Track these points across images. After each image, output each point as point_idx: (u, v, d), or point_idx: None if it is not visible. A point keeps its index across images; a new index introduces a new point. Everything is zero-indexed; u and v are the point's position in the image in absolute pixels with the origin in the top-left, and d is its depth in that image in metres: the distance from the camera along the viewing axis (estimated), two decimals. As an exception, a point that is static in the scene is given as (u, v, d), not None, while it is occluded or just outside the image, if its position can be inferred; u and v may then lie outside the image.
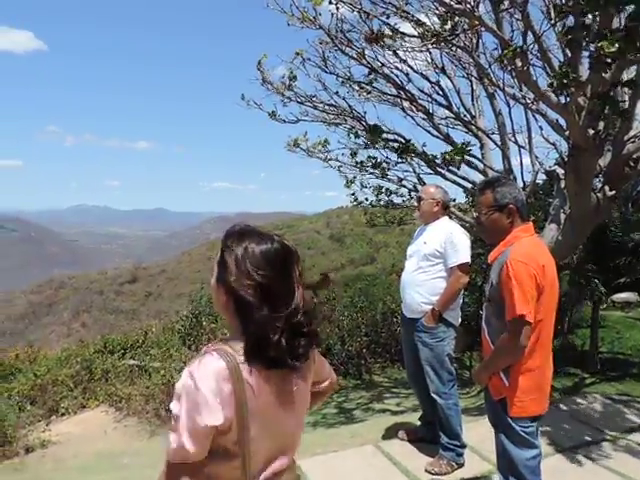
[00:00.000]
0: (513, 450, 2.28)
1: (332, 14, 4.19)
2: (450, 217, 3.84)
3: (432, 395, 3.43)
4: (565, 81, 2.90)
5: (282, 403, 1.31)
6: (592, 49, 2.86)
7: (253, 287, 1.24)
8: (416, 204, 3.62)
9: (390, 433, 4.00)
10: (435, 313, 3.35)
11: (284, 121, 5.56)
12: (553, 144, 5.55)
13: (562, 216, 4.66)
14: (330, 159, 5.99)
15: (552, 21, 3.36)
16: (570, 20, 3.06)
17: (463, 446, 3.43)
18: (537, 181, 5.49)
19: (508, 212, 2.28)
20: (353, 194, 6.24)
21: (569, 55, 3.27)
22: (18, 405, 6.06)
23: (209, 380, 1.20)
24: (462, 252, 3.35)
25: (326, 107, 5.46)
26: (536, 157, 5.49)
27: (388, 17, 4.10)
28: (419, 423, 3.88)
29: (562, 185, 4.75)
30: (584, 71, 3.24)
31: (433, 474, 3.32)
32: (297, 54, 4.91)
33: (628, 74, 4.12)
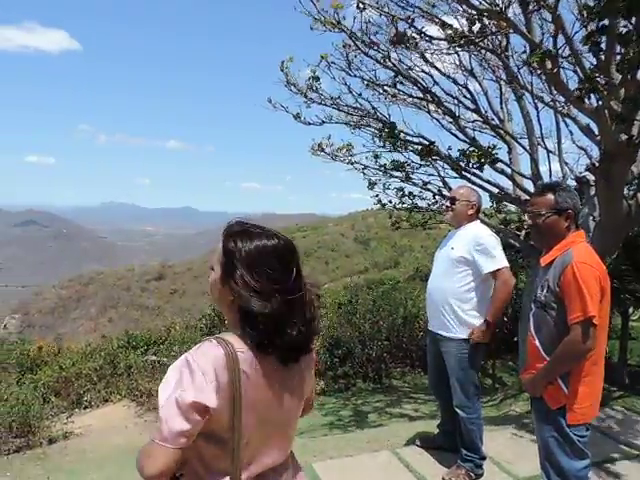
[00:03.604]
0: (566, 462, 2.25)
1: (354, 17, 4.17)
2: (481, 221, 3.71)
3: (455, 408, 3.33)
4: (592, 84, 2.83)
5: (281, 398, 1.32)
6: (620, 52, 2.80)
7: (270, 285, 1.24)
8: (447, 205, 3.47)
9: (407, 439, 3.95)
10: (491, 327, 3.19)
11: (309, 123, 5.56)
12: (583, 149, 5.43)
13: (591, 224, 4.54)
14: (354, 162, 5.96)
15: (584, 23, 3.27)
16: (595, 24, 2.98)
17: (482, 458, 3.34)
18: (566, 187, 5.36)
19: (567, 217, 2.29)
20: (377, 196, 6.19)
21: (602, 58, 3.18)
22: (43, 396, 6.19)
23: (206, 365, 1.21)
24: (499, 255, 3.22)
25: (350, 109, 5.43)
26: (565, 163, 5.37)
27: (413, 21, 4.05)
28: (437, 430, 3.82)
29: (592, 192, 4.64)
30: (617, 74, 3.15)
31: (451, 484, 3.27)
32: (322, 58, 4.90)
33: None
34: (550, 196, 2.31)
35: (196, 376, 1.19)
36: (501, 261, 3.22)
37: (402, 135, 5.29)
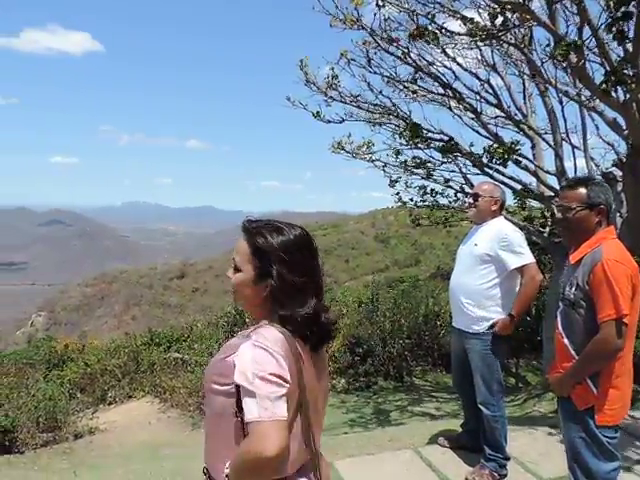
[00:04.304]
0: (595, 463, 2.19)
1: (374, 14, 4.15)
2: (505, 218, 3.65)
3: (479, 405, 3.29)
4: (619, 77, 2.75)
5: (318, 382, 1.36)
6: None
7: (306, 278, 1.28)
8: (470, 202, 3.43)
9: (430, 438, 3.91)
10: (514, 320, 3.15)
11: (329, 121, 5.56)
12: (610, 144, 5.32)
13: (618, 220, 4.45)
14: (374, 160, 5.94)
15: (611, 14, 3.19)
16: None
17: (506, 458, 3.29)
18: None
19: (598, 212, 2.21)
20: (397, 193, 6.15)
21: (629, 48, 3.10)
22: (69, 392, 6.31)
23: (276, 346, 1.22)
24: (525, 251, 3.17)
25: (371, 107, 5.40)
26: (591, 158, 5.26)
27: (434, 16, 4.00)
28: (460, 430, 3.78)
29: (619, 188, 4.54)
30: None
31: (474, 484, 3.22)
32: (342, 55, 4.88)
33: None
34: (582, 190, 2.23)
35: (272, 354, 1.20)
36: (528, 257, 3.17)
37: (424, 132, 5.25)
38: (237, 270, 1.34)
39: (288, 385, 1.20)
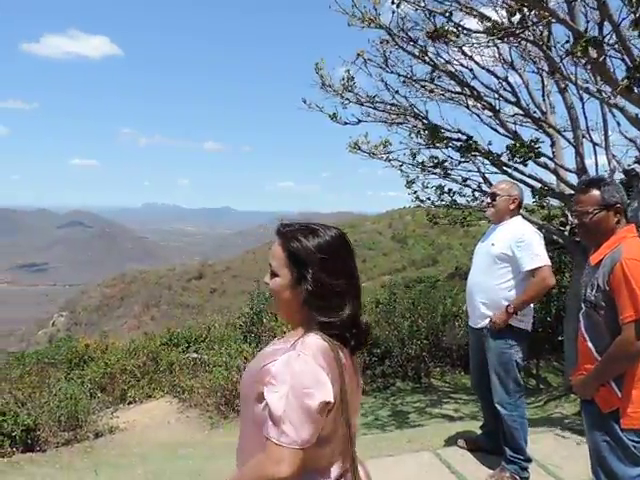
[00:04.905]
0: (620, 468, 2.15)
1: (393, 12, 4.13)
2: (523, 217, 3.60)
3: (496, 405, 3.24)
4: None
5: (355, 387, 1.34)
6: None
7: (343, 277, 1.26)
8: (488, 201, 3.40)
9: (449, 440, 3.88)
10: (510, 310, 3.10)
11: (345, 123, 5.55)
12: (632, 141, 5.21)
13: (641, 218, 4.36)
14: (391, 159, 5.90)
15: (632, 9, 3.13)
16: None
17: (528, 460, 3.22)
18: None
19: (615, 211, 2.19)
20: (415, 192, 6.11)
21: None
22: (90, 392, 6.39)
23: (319, 358, 1.19)
24: (541, 253, 3.12)
25: (387, 107, 5.38)
26: (613, 155, 5.16)
27: (451, 14, 3.97)
28: (480, 432, 3.73)
29: (642, 185, 4.44)
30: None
31: (494, 486, 3.18)
32: (358, 55, 4.88)
33: None
34: (595, 192, 2.20)
35: (315, 371, 1.17)
36: (543, 259, 3.13)
37: (442, 133, 5.21)
38: (274, 275, 1.31)
39: (324, 416, 1.17)
